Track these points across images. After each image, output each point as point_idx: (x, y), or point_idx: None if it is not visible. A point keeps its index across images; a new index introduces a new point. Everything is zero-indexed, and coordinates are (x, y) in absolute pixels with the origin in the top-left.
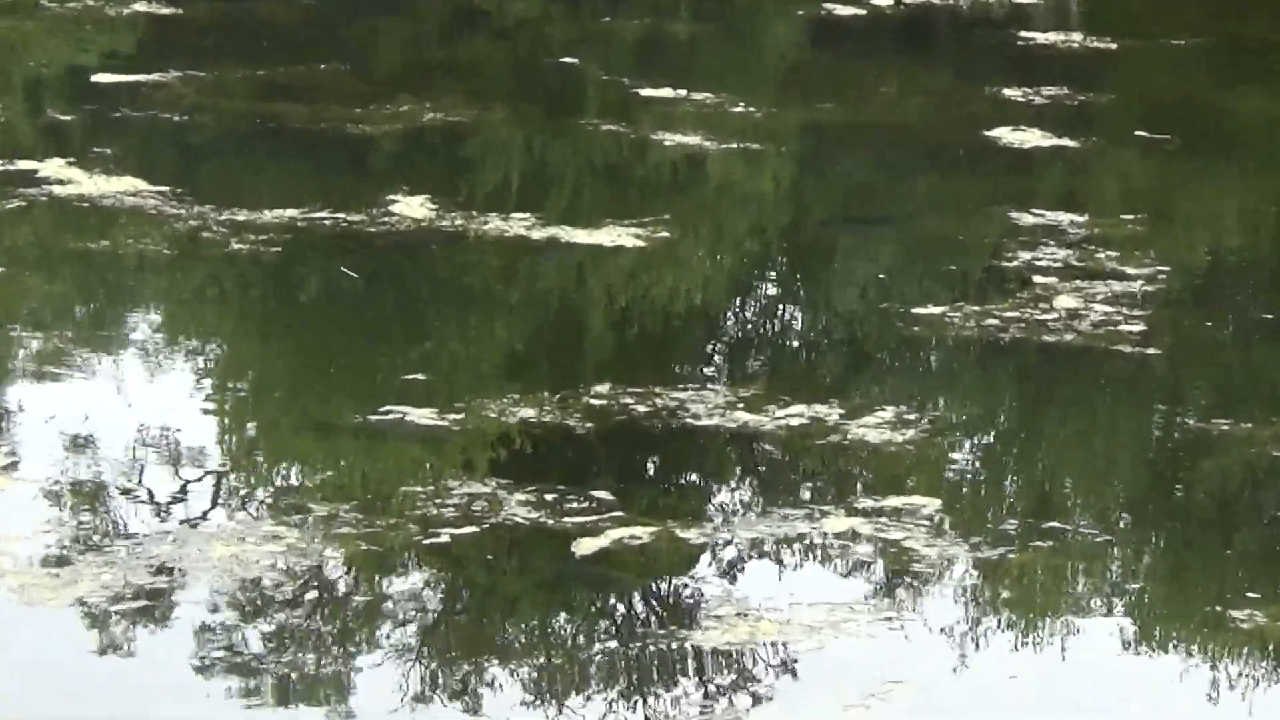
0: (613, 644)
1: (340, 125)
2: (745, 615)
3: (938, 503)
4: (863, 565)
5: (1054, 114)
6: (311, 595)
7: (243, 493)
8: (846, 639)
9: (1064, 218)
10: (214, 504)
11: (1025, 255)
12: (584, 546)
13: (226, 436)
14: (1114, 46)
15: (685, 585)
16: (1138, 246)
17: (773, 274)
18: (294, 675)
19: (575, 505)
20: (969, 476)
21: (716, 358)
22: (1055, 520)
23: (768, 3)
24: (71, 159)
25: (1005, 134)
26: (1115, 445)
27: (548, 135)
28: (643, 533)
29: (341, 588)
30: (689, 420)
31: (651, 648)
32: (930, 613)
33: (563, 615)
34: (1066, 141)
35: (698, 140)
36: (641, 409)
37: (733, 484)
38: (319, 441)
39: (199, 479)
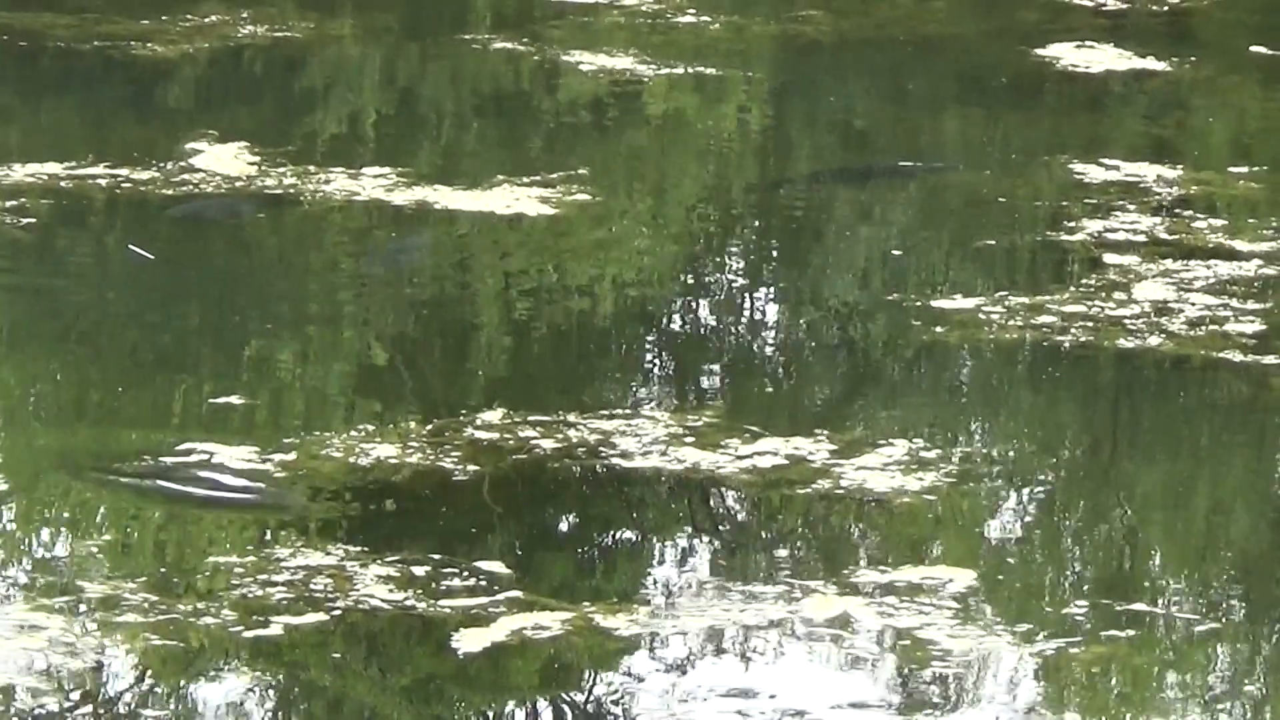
0: None
1: (120, 44)
2: None
3: (969, 576)
4: (862, 664)
5: (1135, 24)
6: (84, 710)
7: None
8: None
9: (1149, 171)
10: None
11: (1094, 225)
12: (468, 640)
13: None
14: None
15: (610, 694)
16: (1253, 212)
17: (736, 252)
18: None
19: (456, 583)
20: (1014, 539)
21: (655, 372)
22: (1138, 600)
23: None
24: None
25: (1066, 52)
26: (1222, 493)
27: (415, 56)
28: (551, 620)
29: (128, 698)
30: (616, 460)
31: None
32: None
33: None
34: (1153, 63)
35: (629, 63)
36: (548, 445)
37: (677, 551)
38: (93, 493)
39: None
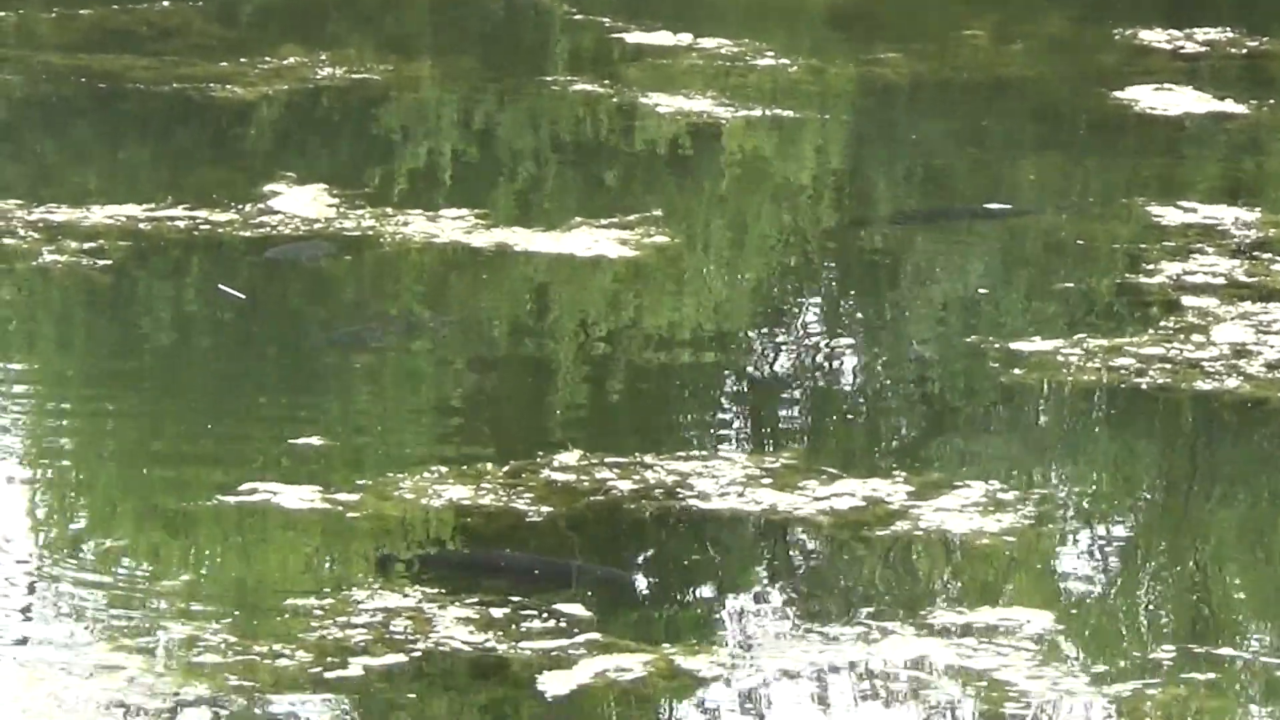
0: None
1: (199, 87)
2: None
3: (1047, 618)
4: (941, 706)
5: (1214, 67)
6: None
7: (65, 606)
8: None
9: (1227, 214)
10: (24, 622)
11: (1172, 267)
12: (551, 683)
13: (41, 528)
14: None
15: None
16: None
17: (814, 295)
18: None
19: (536, 625)
20: (1092, 581)
21: (733, 414)
22: (1216, 643)
23: None
24: None
25: (1145, 95)
26: None
27: (494, 99)
28: (632, 663)
29: None
30: (694, 502)
31: None
32: None
33: None
34: (1231, 106)
35: (707, 105)
36: (625, 486)
37: (756, 592)
38: (172, 534)
39: (3, 588)
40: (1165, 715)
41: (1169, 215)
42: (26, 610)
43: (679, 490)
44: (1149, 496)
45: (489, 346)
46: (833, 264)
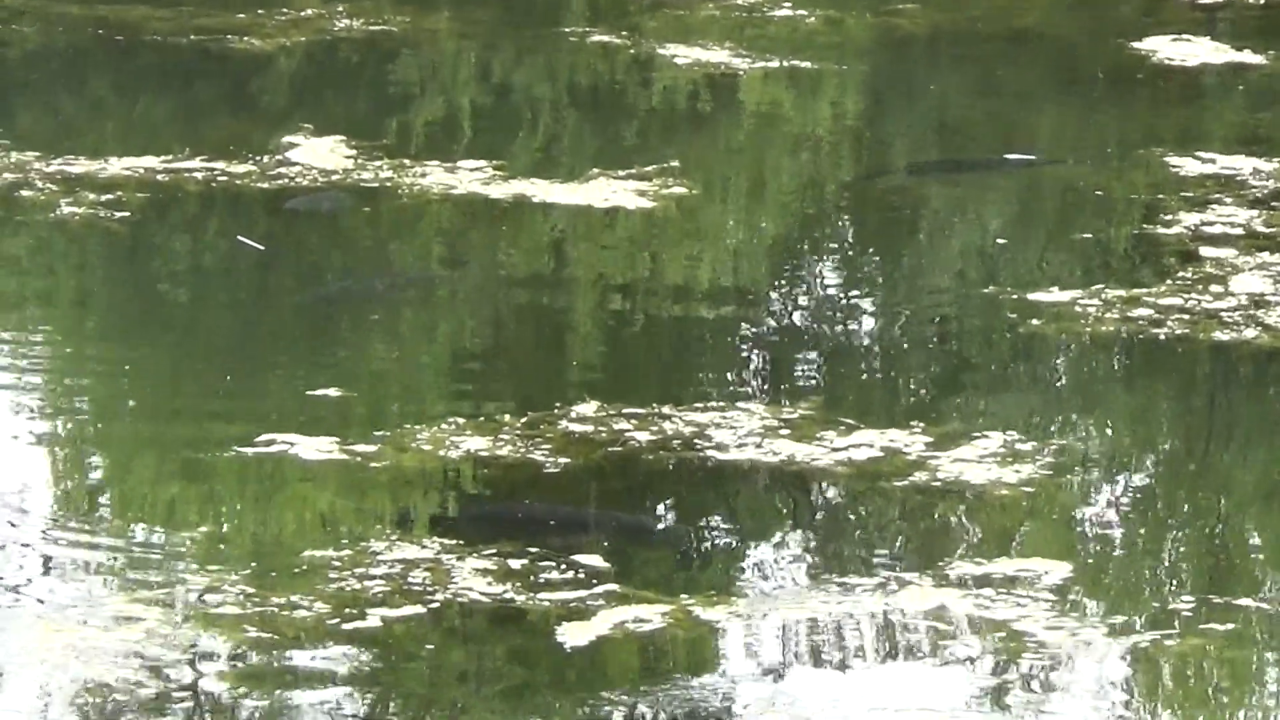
0: None
1: (217, 38)
2: None
3: (1065, 568)
4: (958, 656)
5: (1232, 18)
6: (182, 703)
7: (83, 558)
8: None
9: (1245, 164)
10: (42, 573)
11: (1190, 218)
12: (570, 634)
13: (58, 478)
14: None
15: (710, 687)
16: None
17: (832, 245)
18: None
19: (554, 576)
20: (1109, 531)
21: (751, 365)
22: (1235, 593)
23: None
24: None
25: (1163, 45)
26: None
27: (511, 50)
28: (650, 614)
29: (224, 692)
30: (711, 453)
31: None
32: None
33: None
34: (1249, 56)
35: (725, 56)
36: (643, 437)
37: (774, 543)
38: (190, 485)
39: (19, 539)
40: (1183, 665)
41: (1187, 166)
42: (45, 562)
43: (697, 441)
44: (1167, 447)
45: (506, 298)
46: (850, 215)
